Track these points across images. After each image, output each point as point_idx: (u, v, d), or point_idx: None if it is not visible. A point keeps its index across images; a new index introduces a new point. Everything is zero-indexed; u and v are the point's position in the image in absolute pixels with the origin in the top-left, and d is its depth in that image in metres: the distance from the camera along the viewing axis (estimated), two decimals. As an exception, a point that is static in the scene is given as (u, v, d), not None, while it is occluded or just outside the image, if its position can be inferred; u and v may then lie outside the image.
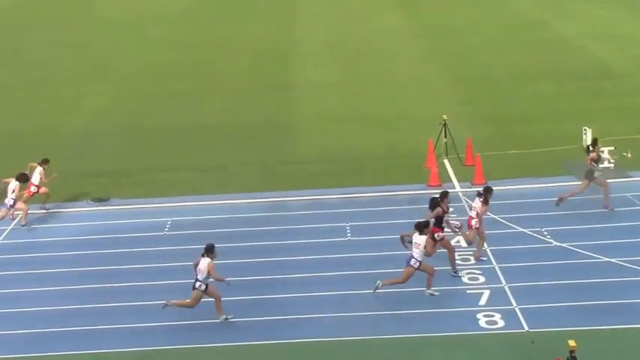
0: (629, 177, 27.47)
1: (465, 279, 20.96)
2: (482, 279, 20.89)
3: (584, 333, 17.70)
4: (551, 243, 22.72)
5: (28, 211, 26.11)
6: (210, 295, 19.33)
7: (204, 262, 19.06)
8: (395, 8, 64.16)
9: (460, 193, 26.73)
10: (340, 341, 18.40)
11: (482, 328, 18.56)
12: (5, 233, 25.63)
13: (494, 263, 21.70)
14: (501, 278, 20.84)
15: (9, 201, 25.78)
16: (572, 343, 14.53)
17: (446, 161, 29.36)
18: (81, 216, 26.82)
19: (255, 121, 36.29)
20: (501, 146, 30.50)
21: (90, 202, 27.78)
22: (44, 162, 26.91)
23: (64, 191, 28.45)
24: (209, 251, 19.27)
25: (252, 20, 61.95)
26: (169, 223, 25.72)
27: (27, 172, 26.52)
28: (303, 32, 56.89)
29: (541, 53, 46.20)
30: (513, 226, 23.93)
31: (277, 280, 21.50)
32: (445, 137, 29.62)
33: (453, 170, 28.77)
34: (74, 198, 28.17)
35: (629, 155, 28.23)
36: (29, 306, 20.73)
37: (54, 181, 26.91)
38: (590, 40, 48.85)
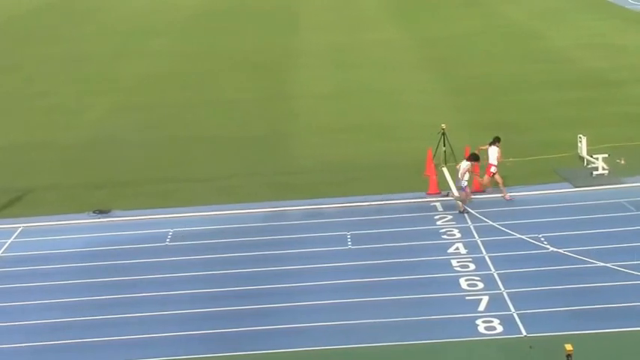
0: (622, 183, 27.80)
1: (464, 285, 21.26)
2: (481, 285, 21.19)
3: (581, 337, 18.00)
4: (548, 249, 23.04)
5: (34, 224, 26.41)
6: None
7: None
8: (394, 19, 64.71)
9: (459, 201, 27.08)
10: (339, 349, 18.59)
11: (481, 333, 18.84)
12: (5, 246, 25.80)
13: (493, 270, 21.99)
14: (500, 284, 21.13)
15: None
16: (568, 347, 14.81)
17: (445, 169, 29.68)
18: (82, 228, 27.01)
19: (256, 131, 36.65)
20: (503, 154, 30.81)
21: (91, 213, 28.01)
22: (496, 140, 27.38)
23: (65, 203, 28.78)
24: None
25: (253, 32, 62.51)
26: (171, 233, 25.98)
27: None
28: (302, 43, 57.39)
29: (537, 63, 46.71)
30: (511, 232, 24.24)
31: (278, 289, 21.73)
32: (444, 146, 29.94)
33: (452, 179, 29.06)
34: (76, 210, 28.37)
35: (623, 162, 28.60)
36: (32, 319, 20.85)
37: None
38: (585, 50, 49.35)
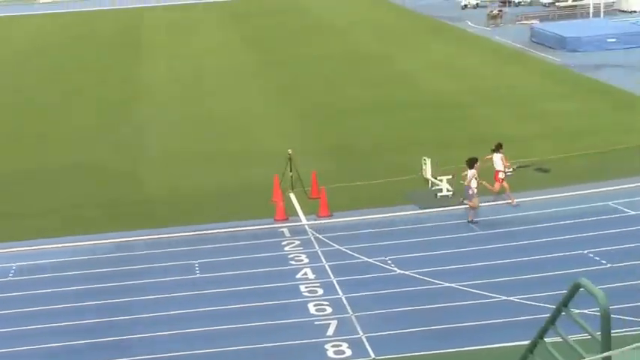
0: (466, 204, 28.35)
1: (312, 310, 21.24)
2: (329, 309, 21.21)
3: (429, 357, 18.28)
4: (395, 271, 23.28)
5: None
6: None
7: None
8: (240, 45, 64.72)
9: (307, 226, 27.14)
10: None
11: (331, 358, 18.82)
12: None
13: (341, 294, 22.06)
14: (348, 308, 21.20)
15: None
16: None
17: (292, 195, 29.71)
18: None
19: (102, 161, 35.95)
20: (346, 178, 31.06)
21: None
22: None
23: None
24: None
25: (96, 61, 61.48)
26: (14, 268, 25.14)
27: None
28: (148, 71, 56.79)
29: (381, 85, 47.44)
30: (358, 256, 24.40)
31: (125, 321, 21.24)
32: (291, 171, 30.00)
33: (299, 204, 29.15)
34: None
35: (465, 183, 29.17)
36: None
37: None
38: (428, 73, 50.49)
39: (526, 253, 23.98)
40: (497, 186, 28.06)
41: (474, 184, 26.59)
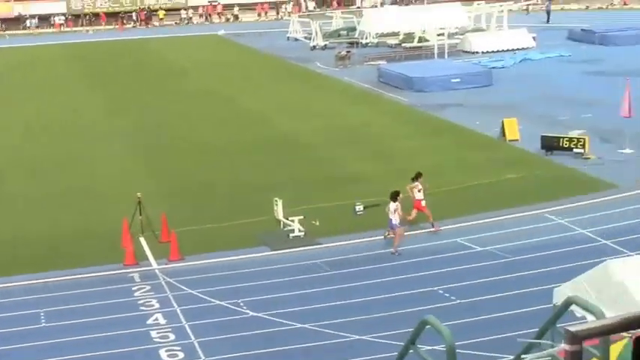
0: (318, 244, 28.49)
1: (164, 356, 20.82)
2: (181, 355, 20.86)
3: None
4: (248, 313, 23.09)
5: None
6: None
7: None
8: (83, 86, 63.73)
9: (157, 271, 26.65)
10: None
11: (183, 405, 18.49)
12: None
13: (193, 338, 21.73)
14: (200, 352, 20.90)
15: None
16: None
17: (142, 239, 29.17)
18: None
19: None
20: (197, 221, 30.71)
21: None
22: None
23: None
24: None
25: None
26: None
27: None
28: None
29: (234, 127, 47.25)
30: (210, 299, 24.10)
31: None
32: (140, 215, 29.45)
33: (150, 248, 28.62)
34: None
35: (317, 223, 29.31)
36: None
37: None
38: (278, 114, 50.61)
39: (377, 292, 24.17)
40: (414, 213, 28.96)
41: (396, 216, 27.36)
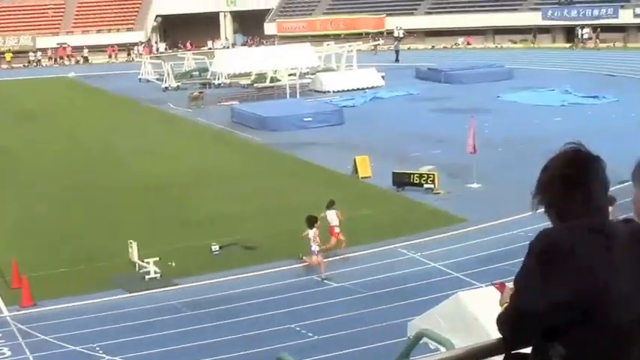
0: (175, 285, 28.33)
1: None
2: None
3: None
4: (104, 357, 22.75)
5: None
6: None
7: None
8: None
9: (9, 318, 25.97)
10: None
11: None
12: None
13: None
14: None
15: None
16: None
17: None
18: None
19: None
20: (50, 266, 30.09)
21: None
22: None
23: None
24: None
25: None
26: None
27: None
28: None
29: (86, 170, 46.51)
30: (65, 345, 23.62)
31: None
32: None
33: (0, 295, 27.86)
34: None
35: (173, 264, 29.18)
36: None
37: None
38: (135, 156, 50.11)
39: (235, 331, 24.17)
40: (333, 241, 29.46)
41: (314, 243, 27.88)
